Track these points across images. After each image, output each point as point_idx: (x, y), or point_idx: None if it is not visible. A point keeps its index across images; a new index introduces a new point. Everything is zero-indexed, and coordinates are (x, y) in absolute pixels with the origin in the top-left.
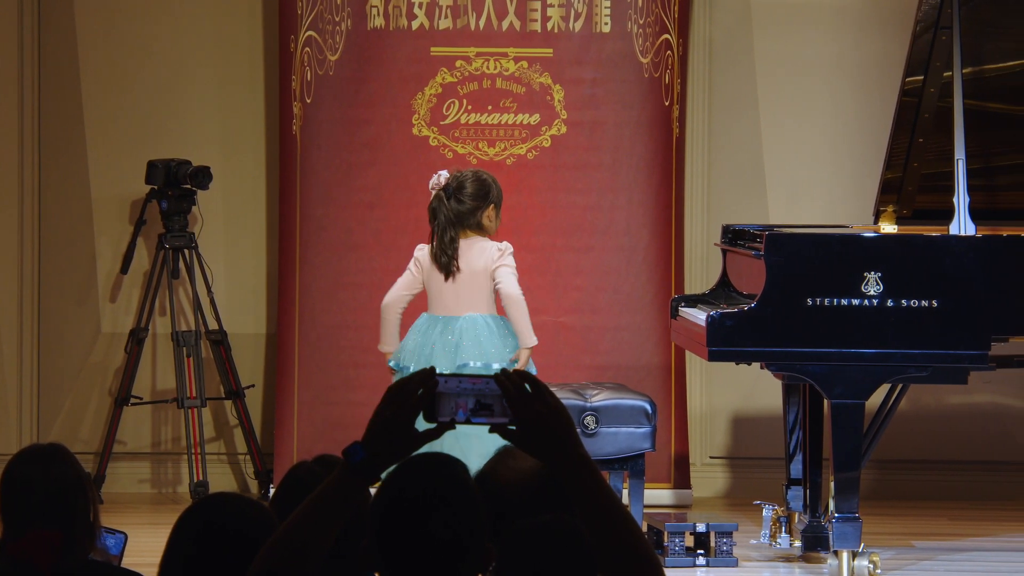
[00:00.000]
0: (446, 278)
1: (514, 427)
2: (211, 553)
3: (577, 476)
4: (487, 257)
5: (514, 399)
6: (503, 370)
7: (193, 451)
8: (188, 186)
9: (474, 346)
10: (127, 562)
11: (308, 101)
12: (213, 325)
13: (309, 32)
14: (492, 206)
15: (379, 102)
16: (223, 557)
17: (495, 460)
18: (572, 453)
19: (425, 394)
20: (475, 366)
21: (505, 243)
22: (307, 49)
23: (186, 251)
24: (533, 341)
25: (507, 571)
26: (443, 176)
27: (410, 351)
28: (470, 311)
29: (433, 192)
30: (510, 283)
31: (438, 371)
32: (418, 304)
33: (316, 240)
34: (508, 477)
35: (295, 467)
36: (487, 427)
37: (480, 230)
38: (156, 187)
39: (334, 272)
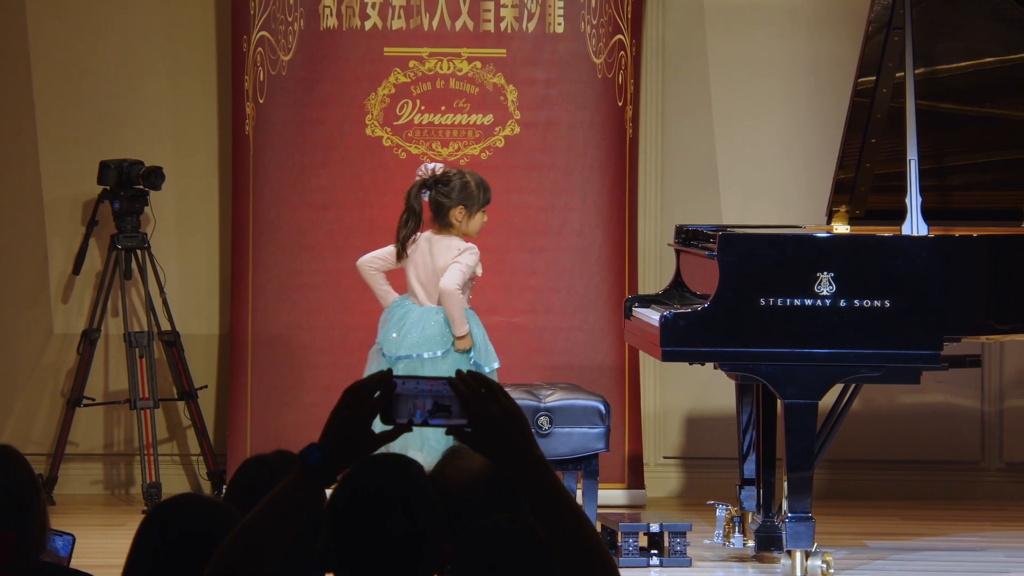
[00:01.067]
0: (398, 259)
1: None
2: (177, 556)
3: (532, 477)
4: (449, 255)
5: (468, 401)
6: (458, 372)
7: (146, 452)
8: (140, 186)
9: (419, 336)
10: (78, 563)
11: (261, 101)
12: (166, 326)
13: (262, 32)
14: (461, 207)
15: (332, 102)
16: (189, 559)
17: (443, 461)
18: (527, 454)
19: (382, 396)
20: (413, 356)
21: (472, 245)
22: (260, 49)
23: (139, 252)
24: (461, 331)
25: (464, 571)
26: (437, 168)
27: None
28: (431, 303)
29: (418, 179)
30: (448, 278)
31: (395, 372)
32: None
33: (269, 241)
34: (456, 477)
35: (250, 459)
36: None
37: (450, 228)
38: (108, 187)
39: (287, 273)
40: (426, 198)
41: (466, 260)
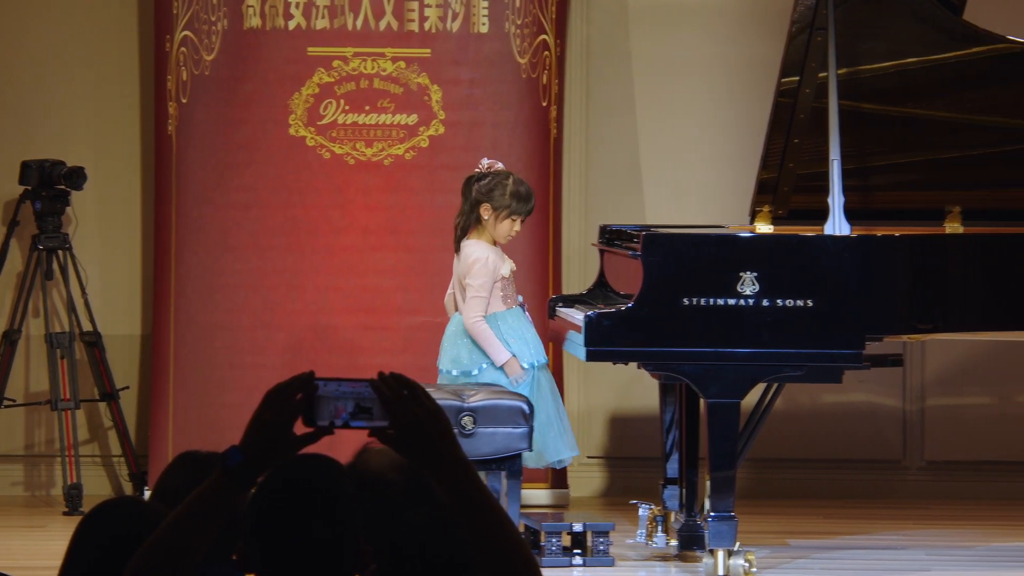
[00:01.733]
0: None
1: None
2: (112, 559)
3: (454, 479)
4: (464, 266)
5: (390, 403)
6: (380, 373)
7: (67, 453)
8: (62, 187)
9: (449, 349)
10: None
11: (184, 101)
12: (87, 326)
13: (185, 32)
14: (487, 205)
15: (256, 102)
16: (124, 563)
17: (358, 455)
18: (449, 456)
19: (304, 398)
20: (452, 374)
21: (481, 256)
22: (183, 49)
23: (60, 252)
24: (501, 359)
25: (394, 566)
26: (496, 164)
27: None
28: (458, 311)
29: (475, 172)
30: (466, 314)
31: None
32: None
33: (192, 241)
34: (373, 469)
35: (178, 458)
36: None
37: (480, 226)
38: (30, 188)
39: (210, 273)
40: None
41: (475, 282)
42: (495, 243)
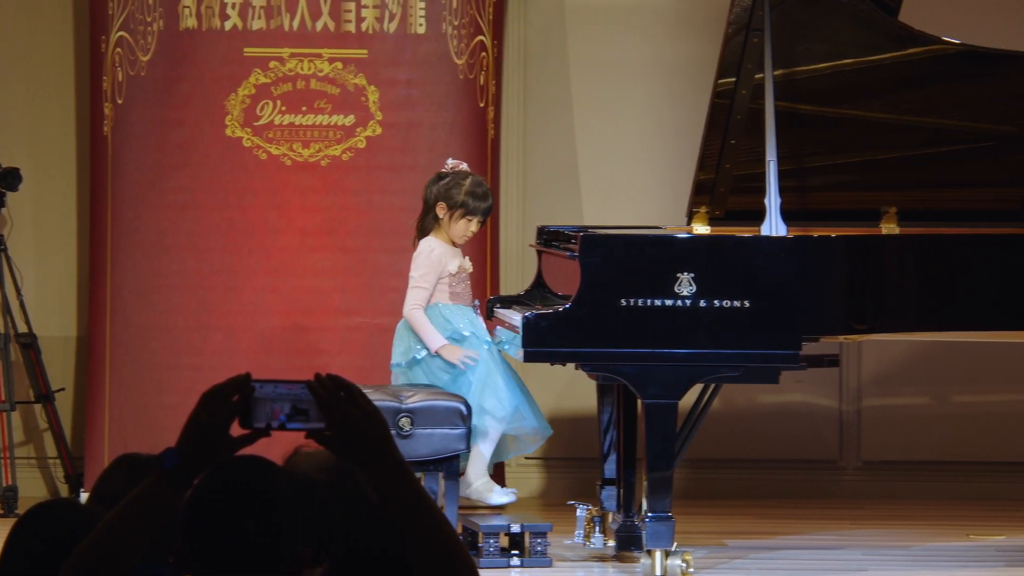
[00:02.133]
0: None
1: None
2: (48, 562)
3: (391, 480)
4: (414, 260)
5: (326, 404)
6: (316, 375)
7: (2, 455)
8: None
9: (399, 343)
10: None
11: (119, 102)
12: (23, 328)
13: (120, 32)
14: (443, 203)
15: (192, 103)
16: (60, 565)
17: (291, 455)
18: (386, 457)
19: (241, 400)
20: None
21: (430, 248)
22: (119, 50)
23: None
24: (434, 346)
25: (347, 567)
26: (461, 165)
27: None
28: None
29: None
30: (406, 302)
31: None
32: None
33: (128, 242)
34: (305, 468)
35: (117, 460)
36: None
37: (436, 224)
38: None
39: (146, 274)
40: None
41: (415, 272)
42: (452, 243)
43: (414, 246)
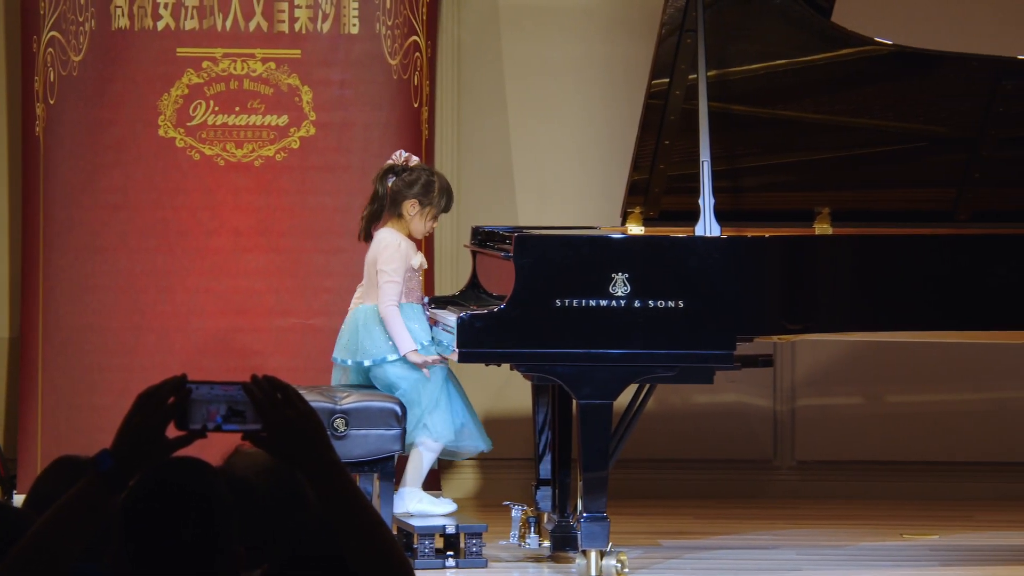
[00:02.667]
0: (359, 238)
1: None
2: None
3: (328, 482)
4: (376, 250)
5: (262, 405)
6: (252, 376)
7: None
8: None
9: (351, 340)
10: None
11: (52, 102)
12: None
13: (52, 32)
14: (415, 201)
15: (124, 103)
16: None
17: (228, 458)
18: (323, 459)
19: (177, 401)
20: (347, 363)
21: (399, 242)
22: (50, 50)
23: None
24: (404, 348)
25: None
26: (412, 158)
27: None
28: (363, 302)
29: (387, 163)
30: (380, 299)
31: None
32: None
33: (60, 242)
34: (242, 471)
35: (55, 462)
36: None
37: (399, 220)
38: None
39: (79, 275)
40: (390, 184)
41: (389, 267)
42: (410, 237)
43: (362, 238)
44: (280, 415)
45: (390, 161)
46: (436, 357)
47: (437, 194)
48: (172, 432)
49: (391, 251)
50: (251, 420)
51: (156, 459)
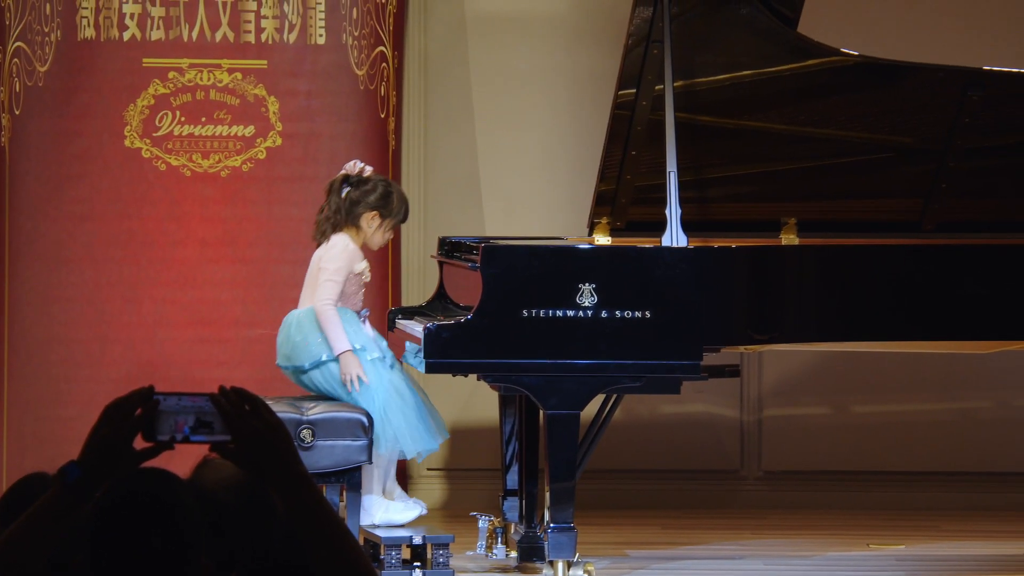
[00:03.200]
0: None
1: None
2: None
3: (295, 493)
4: (322, 251)
5: (230, 416)
6: (220, 387)
7: None
8: None
9: (284, 344)
10: None
11: (17, 113)
12: None
13: (17, 43)
14: (375, 212)
15: (90, 114)
16: None
17: (195, 470)
18: (289, 470)
19: (144, 412)
20: (287, 368)
21: (347, 243)
22: (16, 60)
23: None
24: (339, 348)
25: None
26: (367, 168)
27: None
28: (299, 306)
29: (342, 172)
30: (320, 296)
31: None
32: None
33: (26, 253)
34: (210, 485)
35: (25, 477)
36: (210, 444)
37: (356, 231)
38: None
39: (44, 286)
40: (344, 194)
41: (331, 265)
42: (364, 248)
43: (317, 240)
44: (247, 426)
45: (344, 171)
46: (363, 375)
47: (396, 204)
48: (140, 443)
49: (337, 251)
50: (219, 431)
51: (123, 470)
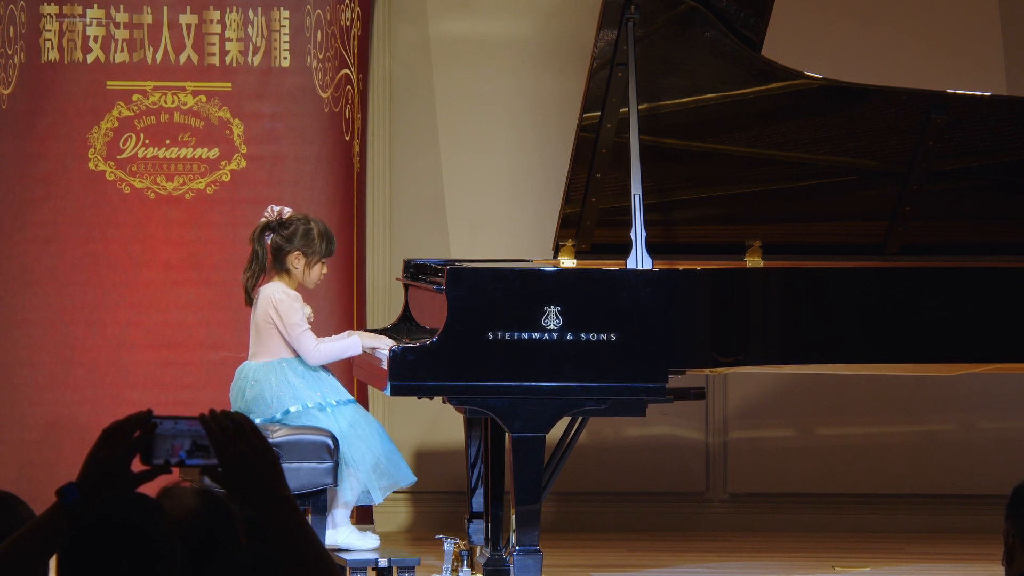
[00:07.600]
0: (247, 304)
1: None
2: None
3: (279, 516)
4: (263, 307)
5: (216, 439)
6: (211, 410)
7: None
8: None
9: (238, 400)
10: None
11: None
12: None
13: None
14: (299, 252)
15: (54, 136)
16: None
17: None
18: (275, 494)
19: (142, 436)
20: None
21: (286, 295)
22: None
23: None
24: (353, 349)
25: None
26: (284, 211)
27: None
28: (250, 359)
29: (262, 221)
30: (305, 350)
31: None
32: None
33: None
34: (172, 515)
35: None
36: (205, 467)
37: (287, 275)
38: None
39: (8, 309)
40: (268, 241)
41: (291, 319)
42: (300, 289)
43: (249, 300)
44: (233, 449)
45: (263, 218)
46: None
47: (318, 240)
48: (138, 466)
49: (287, 304)
50: (215, 455)
51: (121, 492)
